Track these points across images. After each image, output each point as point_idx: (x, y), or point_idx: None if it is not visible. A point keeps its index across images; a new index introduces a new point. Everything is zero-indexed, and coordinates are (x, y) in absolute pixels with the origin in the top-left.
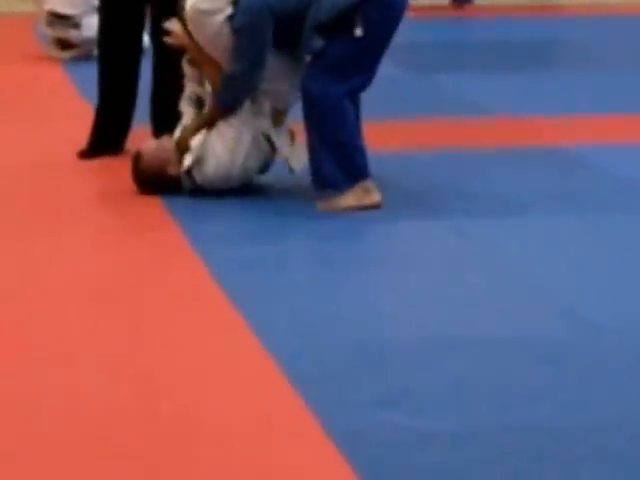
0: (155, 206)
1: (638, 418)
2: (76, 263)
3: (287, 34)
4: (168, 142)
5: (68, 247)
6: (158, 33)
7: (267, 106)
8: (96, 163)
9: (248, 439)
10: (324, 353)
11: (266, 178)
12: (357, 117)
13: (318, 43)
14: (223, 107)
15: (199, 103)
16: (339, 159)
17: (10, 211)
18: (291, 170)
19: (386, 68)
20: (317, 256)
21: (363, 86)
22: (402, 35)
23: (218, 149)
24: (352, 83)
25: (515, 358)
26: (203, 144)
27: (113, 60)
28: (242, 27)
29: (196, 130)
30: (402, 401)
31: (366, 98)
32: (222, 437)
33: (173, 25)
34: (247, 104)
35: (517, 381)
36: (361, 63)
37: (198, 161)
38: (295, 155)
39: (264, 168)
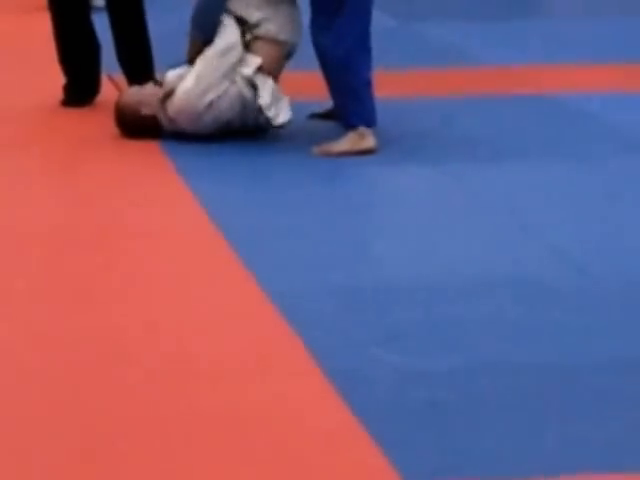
0: (152, 148)
1: (635, 358)
2: (70, 208)
3: None
4: (150, 86)
5: (67, 189)
6: None
7: (257, 59)
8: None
9: (245, 377)
10: (319, 294)
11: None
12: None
13: None
14: (194, 32)
15: None
16: (350, 103)
17: (12, 152)
18: (272, 124)
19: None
20: (311, 199)
21: (368, 25)
22: None
23: (188, 80)
24: (359, 27)
25: (510, 297)
26: (177, 77)
27: (63, 8)
28: None
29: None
30: (398, 340)
31: None
32: (219, 374)
33: None
34: (222, 40)
35: (512, 320)
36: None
37: (170, 93)
38: (280, 108)
39: (247, 122)
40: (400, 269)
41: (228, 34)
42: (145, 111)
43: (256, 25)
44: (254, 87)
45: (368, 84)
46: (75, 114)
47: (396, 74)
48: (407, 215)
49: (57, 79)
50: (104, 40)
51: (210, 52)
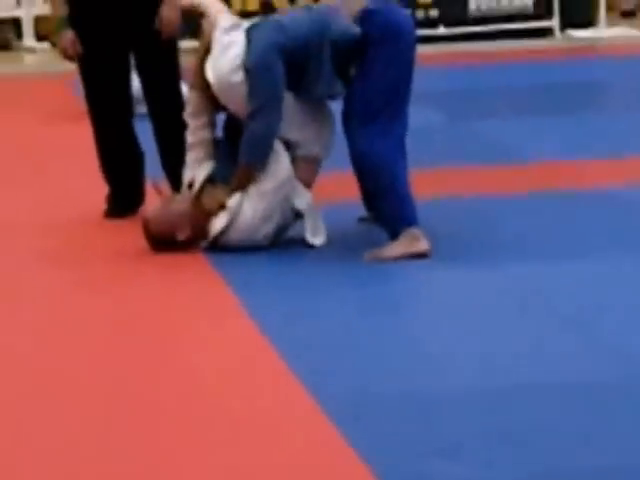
0: (197, 258)
1: None
2: (121, 316)
3: (301, 76)
4: (175, 203)
5: (117, 301)
6: (149, 78)
7: (307, 194)
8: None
9: None
10: (373, 402)
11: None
12: (406, 168)
13: (337, 87)
14: (248, 156)
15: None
16: (392, 207)
17: (57, 267)
18: (311, 243)
19: (422, 115)
20: (362, 305)
21: (403, 131)
22: (436, 82)
23: (248, 218)
24: (393, 130)
25: (566, 404)
26: (234, 211)
27: (106, 118)
28: (253, 66)
29: (228, 190)
30: (459, 450)
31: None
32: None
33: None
34: (276, 172)
35: (579, 425)
36: (391, 104)
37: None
38: (317, 229)
39: (283, 230)
40: (457, 375)
41: (282, 165)
42: (180, 237)
43: (298, 146)
44: (298, 215)
45: (408, 184)
46: (118, 225)
47: (445, 172)
48: (462, 319)
49: (100, 189)
50: (148, 147)
51: (267, 186)
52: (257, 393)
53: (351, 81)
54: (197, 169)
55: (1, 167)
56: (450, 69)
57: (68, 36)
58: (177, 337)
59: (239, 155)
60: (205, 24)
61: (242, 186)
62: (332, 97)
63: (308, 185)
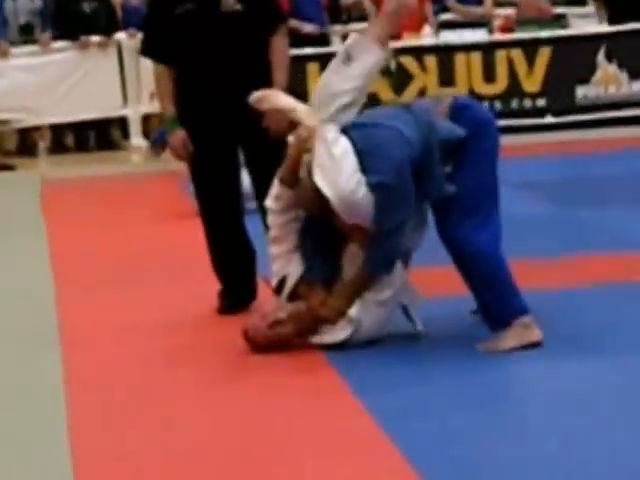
0: (311, 352)
1: None
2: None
3: (420, 183)
4: (281, 327)
5: (234, 398)
6: (259, 174)
7: (406, 277)
8: (237, 317)
9: None
10: None
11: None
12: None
13: (447, 187)
14: (377, 269)
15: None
16: (496, 300)
17: (174, 366)
18: (418, 331)
19: (530, 205)
20: (480, 399)
21: (500, 224)
22: (545, 171)
23: (369, 329)
24: (492, 223)
25: None
26: (357, 323)
27: (216, 216)
28: (391, 184)
29: (348, 299)
30: None
31: (513, 236)
32: None
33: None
34: (394, 281)
35: None
36: (489, 199)
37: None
38: (416, 313)
39: None
40: (575, 470)
41: (397, 272)
42: (283, 346)
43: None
44: (408, 315)
45: (511, 274)
46: (232, 322)
47: (556, 262)
48: (580, 414)
49: (212, 286)
50: (259, 244)
51: (386, 295)
52: None
53: (449, 178)
54: (287, 265)
55: (112, 267)
56: (558, 158)
57: (179, 136)
58: (294, 435)
59: (364, 266)
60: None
61: (360, 294)
62: (442, 196)
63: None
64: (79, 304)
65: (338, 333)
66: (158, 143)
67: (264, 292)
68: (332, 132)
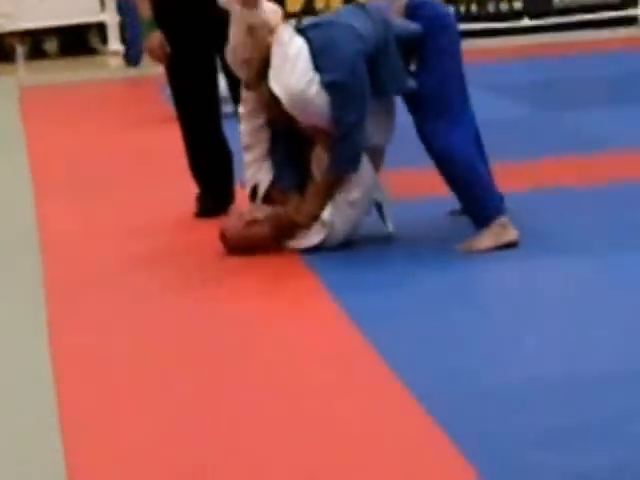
0: (289, 256)
1: None
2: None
3: (373, 76)
4: (258, 226)
5: (212, 299)
6: (235, 78)
7: (374, 173)
8: (214, 220)
9: None
10: (470, 396)
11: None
12: (485, 159)
13: (408, 82)
14: (343, 168)
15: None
16: (474, 199)
17: (150, 269)
18: (388, 230)
19: (506, 108)
20: (457, 298)
21: (474, 123)
22: (521, 74)
23: (341, 229)
24: (464, 121)
25: None
26: (330, 225)
27: (194, 120)
28: (345, 81)
29: (319, 203)
30: (551, 441)
31: (491, 138)
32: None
33: None
34: (363, 179)
35: None
36: (458, 95)
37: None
38: (388, 213)
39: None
40: (551, 365)
41: (367, 171)
42: (260, 246)
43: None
44: (380, 211)
45: (488, 174)
46: (209, 224)
47: (532, 164)
48: (554, 308)
49: (190, 190)
50: (236, 147)
51: (356, 195)
52: (353, 386)
53: (413, 76)
54: (259, 172)
55: (91, 172)
56: (534, 61)
57: (156, 37)
58: (273, 335)
59: (331, 167)
60: (256, 23)
61: (331, 196)
62: (403, 92)
63: (377, 173)
64: (58, 208)
65: (313, 237)
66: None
67: (242, 196)
68: (287, 33)
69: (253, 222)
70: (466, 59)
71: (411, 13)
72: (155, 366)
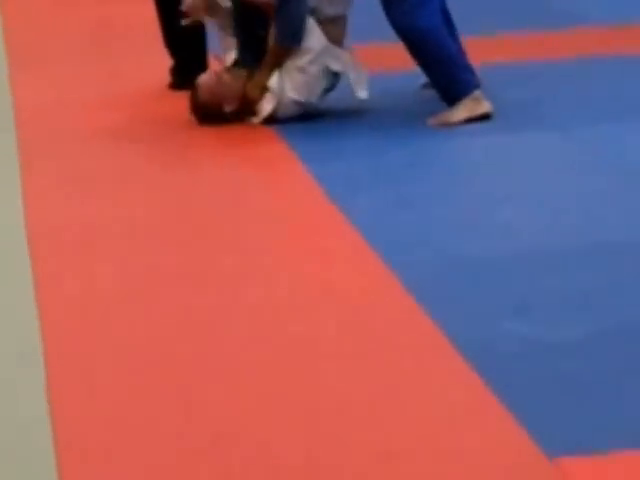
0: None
1: None
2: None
3: None
4: (226, 75)
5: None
6: None
7: (326, 42)
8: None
9: (378, 354)
10: (443, 266)
11: (372, 98)
12: (454, 33)
13: None
14: (285, 38)
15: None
16: (443, 76)
17: (127, 142)
18: (358, 97)
19: None
20: (431, 170)
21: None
22: None
23: (292, 95)
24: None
25: (637, 262)
26: (278, 91)
27: None
28: None
29: (266, 73)
30: (528, 311)
31: (463, 11)
32: (349, 355)
33: None
34: (310, 46)
35: None
36: None
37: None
38: (360, 81)
39: (330, 89)
40: (527, 237)
41: (314, 37)
42: (227, 109)
43: (317, 10)
44: (336, 75)
45: (459, 50)
46: (183, 96)
47: (508, 38)
48: (530, 180)
49: (163, 62)
50: None
51: (304, 60)
52: (331, 262)
53: None
54: (226, 53)
55: (64, 44)
56: None
57: None
58: (247, 203)
59: (273, 38)
60: None
61: (279, 65)
62: None
63: (339, 43)
64: (33, 81)
65: (265, 106)
66: None
67: (215, 67)
68: None
69: (223, 72)
70: None
71: None
72: (133, 239)
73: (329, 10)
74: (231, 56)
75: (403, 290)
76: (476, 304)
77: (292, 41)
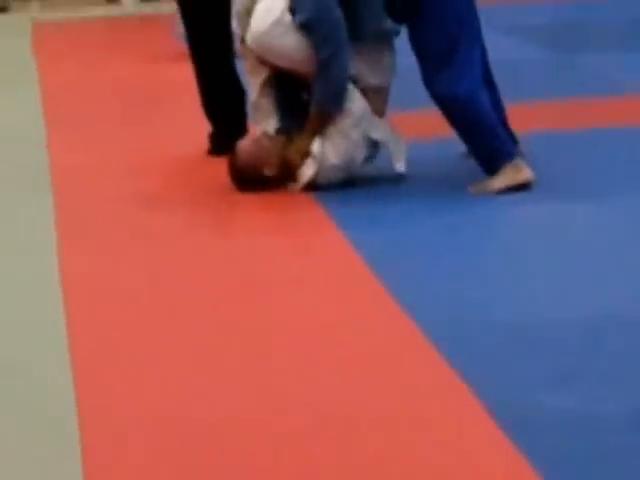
0: (300, 196)
1: None
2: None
3: (350, 16)
4: (265, 140)
5: (223, 234)
6: None
7: (367, 107)
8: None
9: (414, 428)
10: (481, 333)
11: (411, 165)
12: (497, 100)
13: (387, 23)
14: (325, 103)
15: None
16: (483, 146)
17: (163, 208)
18: (397, 170)
19: (525, 48)
20: (470, 239)
21: (482, 64)
22: (540, 16)
23: (333, 158)
24: (472, 67)
25: None
26: (320, 157)
27: (207, 57)
28: (315, 16)
29: (308, 139)
30: (567, 384)
31: (509, 79)
32: (385, 422)
33: None
34: (351, 110)
35: None
36: (463, 39)
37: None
38: (398, 153)
39: (370, 158)
40: (562, 308)
41: (355, 101)
42: (268, 172)
43: (358, 79)
44: (376, 145)
45: (500, 118)
46: (222, 163)
47: (550, 105)
48: (569, 251)
49: (203, 128)
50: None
51: (346, 124)
52: (365, 327)
53: (414, 22)
54: (266, 124)
55: (103, 109)
56: (551, 2)
57: None
58: (283, 270)
59: (314, 104)
60: None
61: (319, 131)
62: (384, 35)
63: (380, 114)
64: (69, 144)
65: (305, 171)
66: None
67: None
68: None
69: (263, 137)
70: (483, 0)
71: None
72: (166, 300)
73: (371, 80)
74: (272, 124)
75: (439, 357)
76: (514, 373)
77: (333, 106)
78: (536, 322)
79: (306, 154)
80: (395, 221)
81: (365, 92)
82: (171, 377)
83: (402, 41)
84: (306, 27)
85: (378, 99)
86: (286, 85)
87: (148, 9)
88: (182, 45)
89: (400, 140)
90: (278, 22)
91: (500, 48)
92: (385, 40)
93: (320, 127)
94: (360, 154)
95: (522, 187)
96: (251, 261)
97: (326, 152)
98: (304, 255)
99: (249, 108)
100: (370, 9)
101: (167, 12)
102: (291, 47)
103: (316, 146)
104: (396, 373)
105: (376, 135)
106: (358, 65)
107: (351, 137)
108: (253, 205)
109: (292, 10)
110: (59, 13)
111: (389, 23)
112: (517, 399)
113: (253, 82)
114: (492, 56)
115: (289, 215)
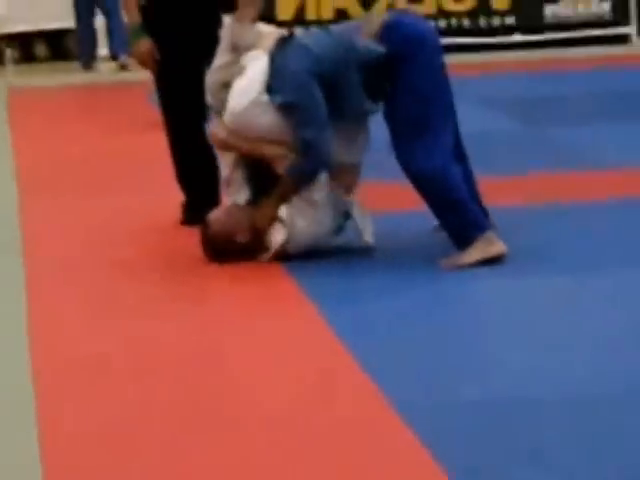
0: (271, 266)
1: None
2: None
3: (331, 97)
4: (235, 209)
5: (194, 306)
6: None
7: (355, 205)
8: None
9: None
10: (451, 409)
11: (384, 238)
12: (469, 173)
13: (367, 105)
14: (303, 179)
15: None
16: (454, 220)
17: (134, 278)
18: (366, 243)
19: (496, 122)
20: (441, 312)
21: (453, 140)
22: (511, 89)
23: (303, 227)
24: (442, 142)
25: None
26: (289, 223)
27: (180, 128)
28: (293, 101)
29: (275, 204)
30: (535, 458)
31: (481, 152)
32: None
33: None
34: (320, 185)
35: None
36: (434, 116)
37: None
38: (366, 226)
39: (339, 230)
40: (536, 381)
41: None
42: (240, 239)
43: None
44: (348, 216)
45: (471, 192)
46: (194, 233)
47: (522, 179)
48: (537, 327)
49: (174, 196)
50: None
51: (316, 196)
52: (335, 401)
53: (387, 98)
54: (237, 196)
55: (75, 176)
56: (526, 76)
57: (145, 44)
58: (255, 346)
59: (289, 172)
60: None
61: (287, 198)
62: (363, 115)
63: (350, 190)
64: (42, 211)
65: (275, 238)
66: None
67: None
68: (256, 56)
69: (233, 207)
70: (457, 72)
71: (388, 33)
72: (135, 367)
73: (346, 157)
74: (242, 196)
75: (412, 434)
76: (485, 448)
77: (307, 182)
78: (503, 399)
79: (273, 219)
80: (367, 294)
81: (339, 169)
82: (142, 447)
83: (378, 113)
84: (285, 109)
85: (350, 175)
86: (257, 161)
87: (124, 75)
88: (157, 112)
89: (366, 214)
90: (256, 101)
91: (473, 120)
92: (362, 119)
93: (288, 195)
94: (327, 219)
95: (495, 260)
96: (220, 332)
97: (293, 217)
98: (274, 327)
99: (221, 181)
100: (352, 89)
101: (143, 79)
102: (269, 126)
103: (284, 212)
104: (368, 452)
105: (341, 205)
106: (335, 142)
107: (317, 202)
108: (224, 276)
109: (270, 89)
110: (34, 79)
111: (369, 103)
112: (485, 475)
113: (224, 158)
114: (465, 128)
115: (260, 287)
